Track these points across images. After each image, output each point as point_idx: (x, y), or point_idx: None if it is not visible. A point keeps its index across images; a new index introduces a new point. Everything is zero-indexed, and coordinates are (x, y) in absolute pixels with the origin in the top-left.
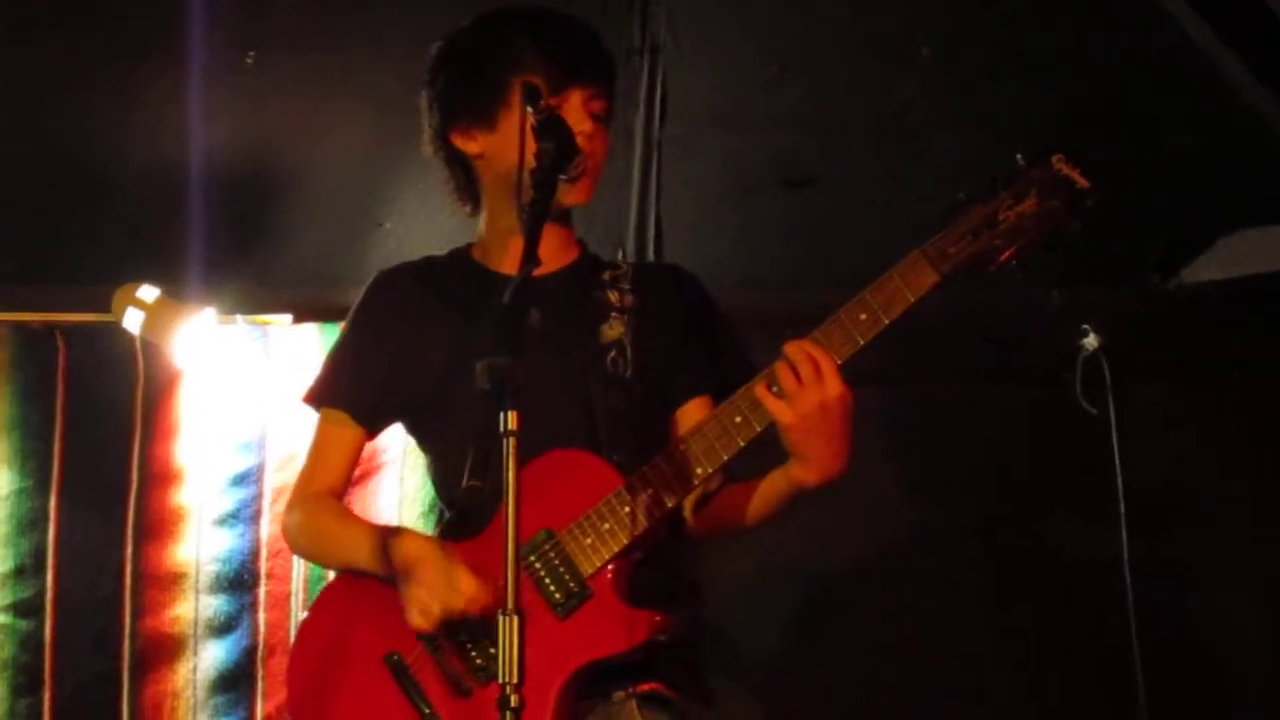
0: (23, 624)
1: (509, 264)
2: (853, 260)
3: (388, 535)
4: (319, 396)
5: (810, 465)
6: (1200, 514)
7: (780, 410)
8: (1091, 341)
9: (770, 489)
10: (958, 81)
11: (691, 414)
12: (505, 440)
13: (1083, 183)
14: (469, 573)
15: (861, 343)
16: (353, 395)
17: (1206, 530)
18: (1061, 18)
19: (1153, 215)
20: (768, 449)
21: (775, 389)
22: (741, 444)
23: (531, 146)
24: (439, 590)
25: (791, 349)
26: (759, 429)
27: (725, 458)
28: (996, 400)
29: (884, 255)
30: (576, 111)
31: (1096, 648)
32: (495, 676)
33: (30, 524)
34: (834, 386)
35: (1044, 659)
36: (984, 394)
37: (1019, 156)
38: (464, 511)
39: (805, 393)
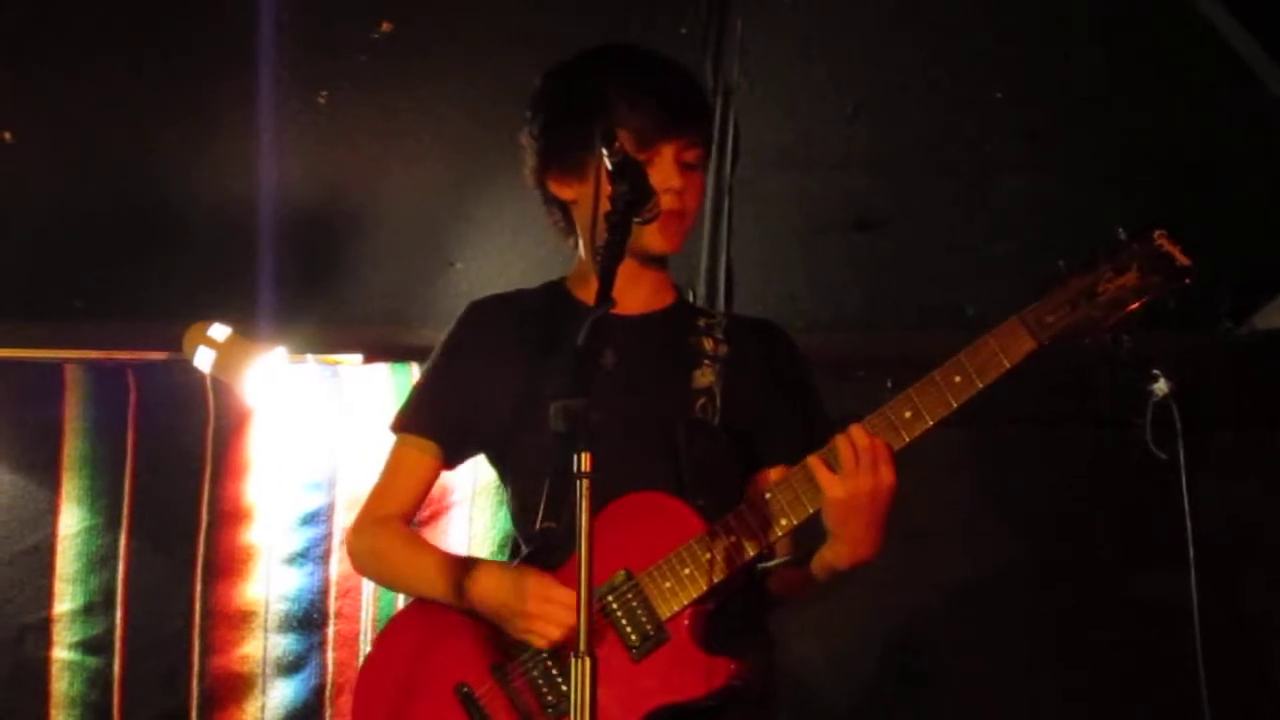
0: (92, 661)
1: None
2: (923, 302)
3: (465, 569)
4: (405, 423)
5: (844, 546)
6: (1271, 561)
7: (831, 484)
8: (1162, 386)
9: (805, 574)
10: (1029, 124)
11: (774, 479)
12: (579, 482)
13: (1183, 260)
14: (549, 583)
15: (954, 405)
16: (439, 424)
17: (1277, 577)
18: (1131, 63)
19: (1224, 259)
20: None
21: (831, 464)
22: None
23: (607, 189)
24: (548, 613)
25: (856, 431)
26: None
27: (811, 510)
28: (1067, 445)
29: (955, 297)
30: (667, 167)
31: (1165, 694)
32: (566, 713)
33: (100, 561)
34: (887, 476)
35: (1112, 705)
36: (1054, 438)
37: (1120, 229)
38: (541, 549)
39: (860, 475)
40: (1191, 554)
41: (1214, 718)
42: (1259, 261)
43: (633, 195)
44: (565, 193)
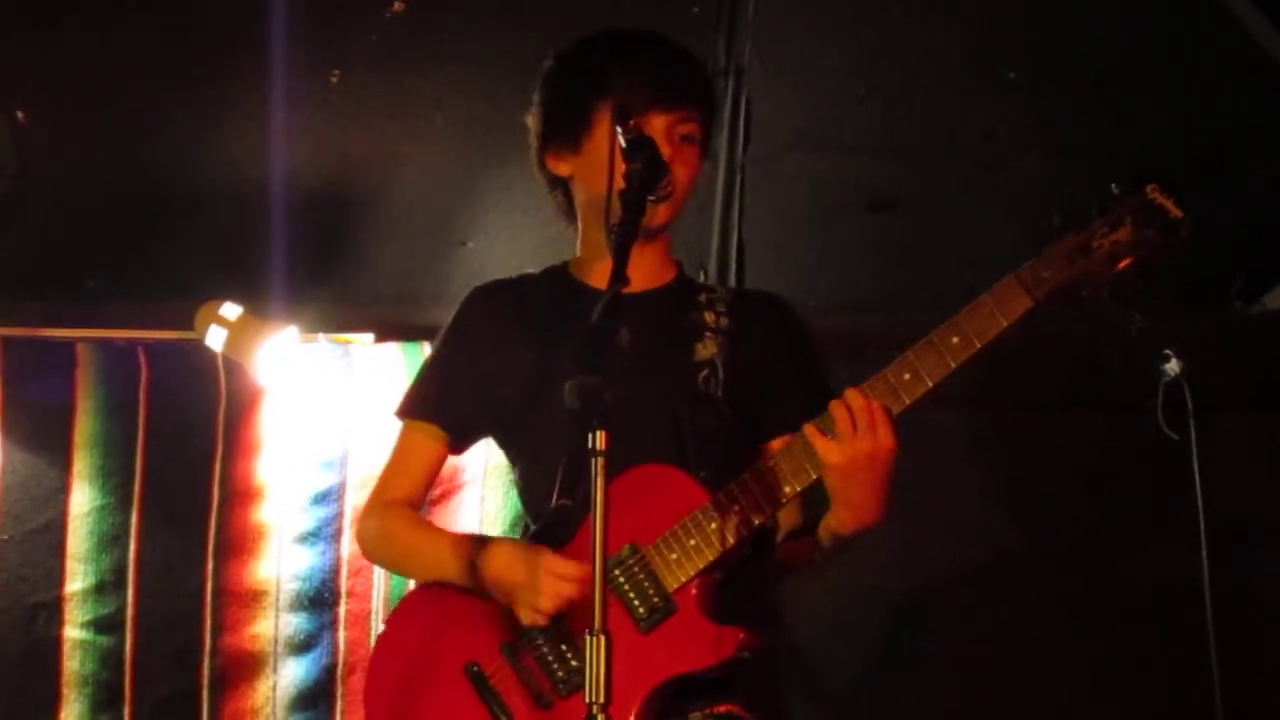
0: (103, 640)
1: (604, 279)
2: (934, 283)
3: (476, 547)
4: (411, 408)
5: (846, 511)
6: None
7: (828, 450)
8: (1173, 367)
9: (813, 542)
10: (1041, 107)
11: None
12: (594, 459)
13: (1176, 213)
14: (557, 558)
15: (953, 365)
16: (444, 409)
17: None
18: (1144, 45)
19: (1235, 241)
20: None
21: (828, 430)
22: None
23: (621, 167)
24: (542, 584)
25: (851, 394)
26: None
27: (814, 477)
28: (1077, 425)
29: (966, 278)
30: (657, 136)
31: (1177, 675)
32: (576, 689)
33: (112, 540)
34: (886, 438)
35: (1123, 686)
36: (1065, 419)
37: (1114, 185)
38: (549, 525)
39: (858, 439)
40: (1203, 534)
41: (1226, 698)
42: (1270, 242)
43: (646, 173)
44: (562, 168)
